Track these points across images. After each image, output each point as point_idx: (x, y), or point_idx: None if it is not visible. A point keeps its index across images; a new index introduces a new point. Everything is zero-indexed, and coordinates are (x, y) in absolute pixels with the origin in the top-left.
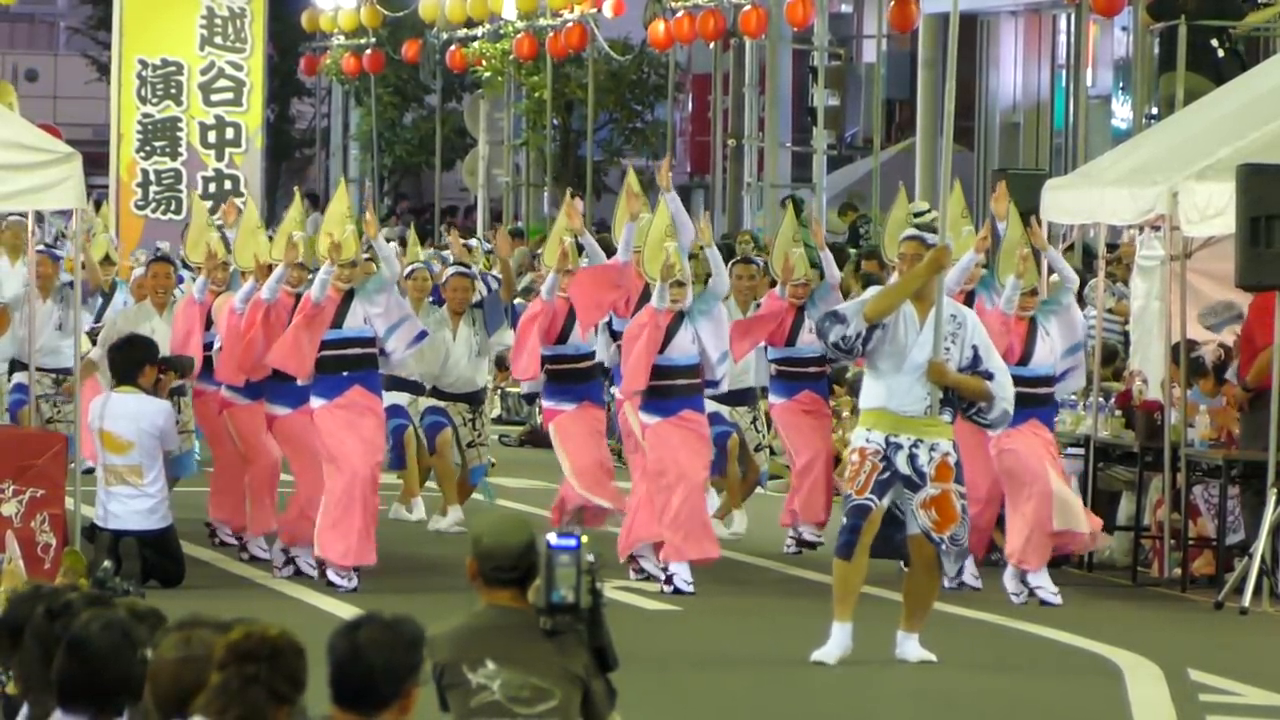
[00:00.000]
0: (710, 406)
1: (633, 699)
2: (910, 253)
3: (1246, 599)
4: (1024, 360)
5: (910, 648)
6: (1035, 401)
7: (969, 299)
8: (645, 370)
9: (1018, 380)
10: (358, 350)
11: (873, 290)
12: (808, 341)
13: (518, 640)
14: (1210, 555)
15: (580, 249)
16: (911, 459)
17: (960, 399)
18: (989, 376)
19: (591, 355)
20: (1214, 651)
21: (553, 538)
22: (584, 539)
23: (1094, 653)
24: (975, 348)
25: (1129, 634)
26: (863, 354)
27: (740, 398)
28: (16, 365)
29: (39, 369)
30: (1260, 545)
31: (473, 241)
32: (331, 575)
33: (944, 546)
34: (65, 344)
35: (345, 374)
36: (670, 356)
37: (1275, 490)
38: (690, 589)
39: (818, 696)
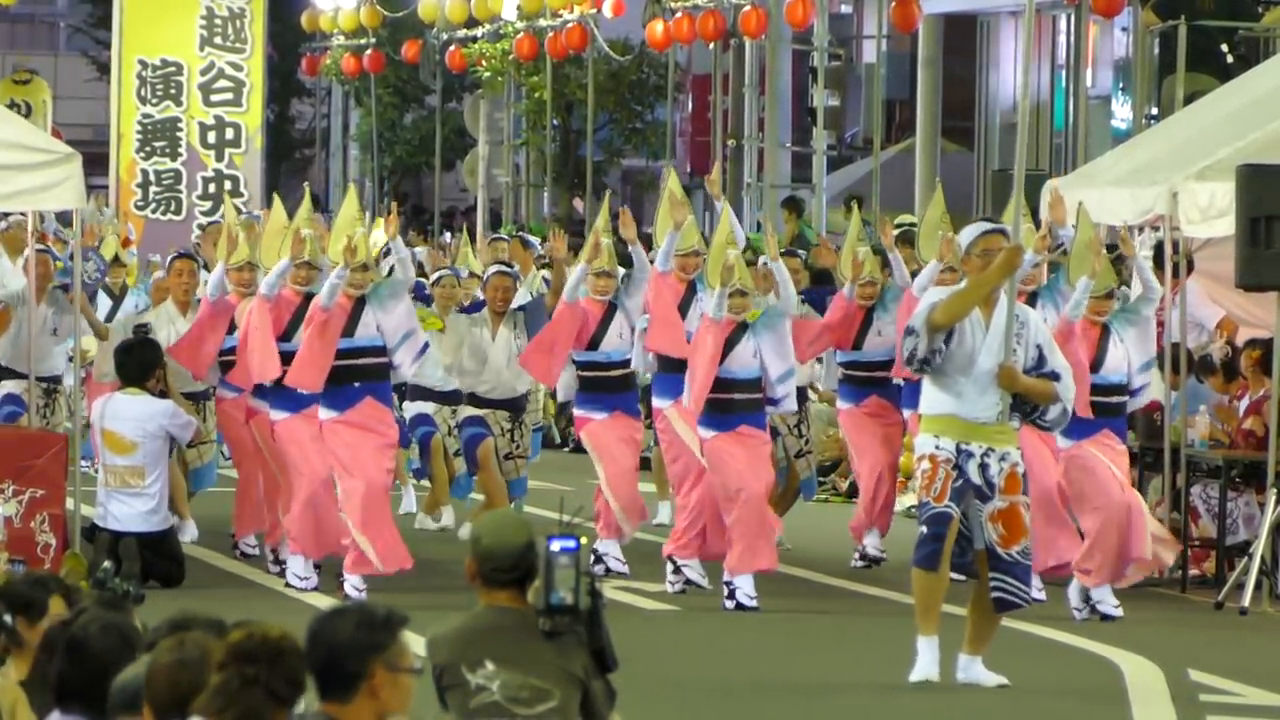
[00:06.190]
0: None
1: (633, 699)
2: (995, 247)
3: (1246, 599)
4: (1095, 367)
5: (978, 671)
6: (1107, 411)
7: (1030, 304)
8: (706, 387)
9: (1089, 389)
10: (370, 360)
11: (936, 293)
12: (875, 345)
13: (517, 641)
14: (1210, 555)
15: (628, 258)
16: (983, 468)
17: (1026, 403)
18: (1054, 376)
19: (626, 363)
20: (1214, 651)
21: (553, 540)
22: (584, 540)
23: (1094, 652)
24: (1039, 347)
25: (1129, 634)
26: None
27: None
28: (5, 373)
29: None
30: (1260, 545)
31: (446, 237)
32: (349, 587)
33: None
34: (59, 349)
35: (358, 385)
36: (730, 369)
37: (1275, 490)
38: (754, 604)
39: (816, 697)
